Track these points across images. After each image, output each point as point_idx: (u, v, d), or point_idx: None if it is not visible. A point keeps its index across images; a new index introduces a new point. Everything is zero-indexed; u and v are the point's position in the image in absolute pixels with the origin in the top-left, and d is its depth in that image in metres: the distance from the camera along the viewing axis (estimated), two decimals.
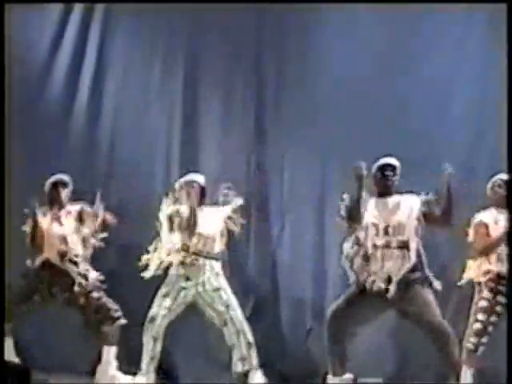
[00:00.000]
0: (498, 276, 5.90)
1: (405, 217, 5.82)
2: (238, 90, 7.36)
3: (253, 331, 6.36)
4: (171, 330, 6.37)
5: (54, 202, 6.46)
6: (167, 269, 6.38)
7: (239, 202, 6.50)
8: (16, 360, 6.20)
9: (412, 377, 6.57)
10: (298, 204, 7.15)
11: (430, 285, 5.81)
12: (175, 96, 7.38)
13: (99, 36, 7.43)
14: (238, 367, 6.31)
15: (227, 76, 7.36)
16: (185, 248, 6.31)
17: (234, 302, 6.36)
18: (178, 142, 7.34)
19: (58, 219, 6.41)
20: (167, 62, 7.43)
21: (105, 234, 6.46)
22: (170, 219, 6.36)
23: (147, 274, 6.33)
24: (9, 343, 6.29)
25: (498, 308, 5.92)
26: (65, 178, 6.49)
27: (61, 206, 6.46)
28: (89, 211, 6.41)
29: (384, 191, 5.94)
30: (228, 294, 6.35)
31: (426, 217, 5.86)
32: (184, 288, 6.31)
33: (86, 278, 6.31)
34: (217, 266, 6.39)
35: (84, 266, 6.36)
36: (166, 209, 6.41)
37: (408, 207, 5.87)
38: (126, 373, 6.33)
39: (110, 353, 6.30)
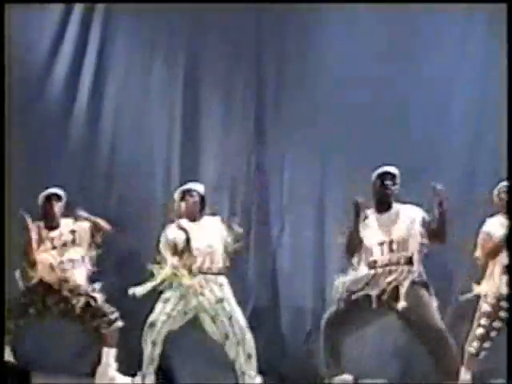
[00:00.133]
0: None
1: (407, 228, 5.77)
2: (238, 90, 7.36)
3: (254, 338, 6.26)
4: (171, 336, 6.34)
5: (47, 215, 6.47)
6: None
7: (240, 230, 6.42)
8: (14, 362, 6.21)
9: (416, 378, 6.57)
10: (298, 204, 7.14)
11: (430, 288, 5.80)
12: (175, 96, 7.38)
13: (99, 36, 7.42)
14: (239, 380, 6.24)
15: (227, 76, 7.35)
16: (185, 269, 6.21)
17: (237, 312, 6.24)
18: (178, 142, 7.33)
19: (51, 241, 6.41)
20: (167, 63, 7.43)
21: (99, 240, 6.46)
22: (170, 246, 6.26)
23: (139, 291, 6.16)
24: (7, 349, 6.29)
25: (502, 313, 5.91)
26: (58, 191, 6.49)
27: (54, 220, 6.47)
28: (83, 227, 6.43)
29: (383, 200, 5.88)
30: (231, 305, 6.23)
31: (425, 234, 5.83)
32: (185, 296, 6.23)
33: (79, 294, 6.33)
34: (220, 278, 6.29)
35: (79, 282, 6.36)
36: (165, 241, 6.30)
37: (409, 217, 5.81)
38: (125, 374, 6.33)
39: (109, 354, 6.31)
